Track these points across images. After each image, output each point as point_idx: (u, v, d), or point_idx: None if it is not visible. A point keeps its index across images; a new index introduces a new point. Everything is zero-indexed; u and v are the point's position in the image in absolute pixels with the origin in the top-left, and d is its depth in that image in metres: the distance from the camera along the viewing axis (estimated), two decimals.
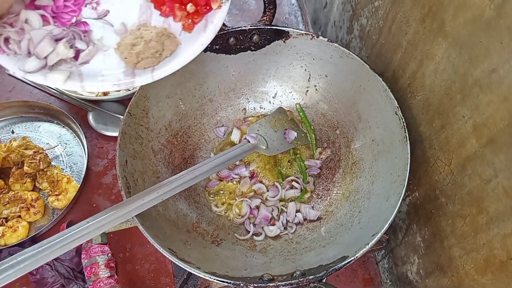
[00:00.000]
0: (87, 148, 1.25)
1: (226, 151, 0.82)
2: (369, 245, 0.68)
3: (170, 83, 0.90)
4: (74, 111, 1.37)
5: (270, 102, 1.02)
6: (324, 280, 0.67)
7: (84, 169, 1.22)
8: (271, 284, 0.65)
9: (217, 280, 0.66)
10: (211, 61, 0.94)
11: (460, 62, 0.66)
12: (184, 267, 0.67)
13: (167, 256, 0.68)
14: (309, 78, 0.97)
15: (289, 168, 0.96)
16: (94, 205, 1.24)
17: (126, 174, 0.78)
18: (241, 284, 0.65)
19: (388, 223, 0.70)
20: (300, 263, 0.77)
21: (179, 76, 0.91)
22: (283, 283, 0.65)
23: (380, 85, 0.85)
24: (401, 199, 0.73)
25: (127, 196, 0.75)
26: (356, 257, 0.67)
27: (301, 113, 1.00)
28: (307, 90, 0.99)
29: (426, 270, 0.88)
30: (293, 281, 0.65)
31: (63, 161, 1.28)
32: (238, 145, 0.87)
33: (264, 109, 1.02)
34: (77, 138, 1.32)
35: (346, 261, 0.67)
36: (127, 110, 0.82)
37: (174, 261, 0.68)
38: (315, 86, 0.97)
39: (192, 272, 0.67)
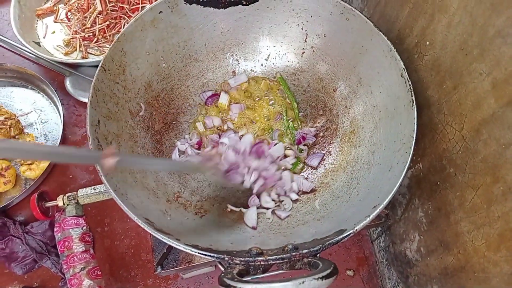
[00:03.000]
0: (64, 116, 1.16)
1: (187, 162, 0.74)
2: (370, 217, 0.61)
3: (150, 37, 0.81)
4: (50, 76, 1.27)
5: (262, 64, 0.93)
6: (318, 255, 0.60)
7: (60, 138, 1.12)
8: (259, 258, 0.58)
9: (199, 253, 0.58)
10: (198, 16, 0.85)
11: (480, 11, 0.58)
12: (162, 239, 0.60)
13: (143, 227, 0.60)
14: (306, 38, 0.88)
15: (282, 137, 0.88)
16: (71, 176, 1.15)
17: (98, 136, 0.69)
18: (226, 258, 0.57)
19: (391, 194, 0.63)
20: (292, 237, 0.69)
21: (161, 30, 0.82)
22: (273, 257, 0.58)
23: (384, 45, 0.76)
24: (406, 168, 0.65)
25: None
26: (356, 230, 0.60)
27: (281, 82, 0.91)
28: (303, 52, 0.90)
29: (427, 247, 0.81)
30: (284, 256, 0.58)
31: (37, 129, 1.18)
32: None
33: (256, 72, 0.93)
34: (53, 104, 1.22)
35: (344, 235, 0.60)
36: (100, 65, 0.73)
37: (151, 233, 0.60)
38: (312, 47, 0.89)
39: (171, 244, 0.59)
